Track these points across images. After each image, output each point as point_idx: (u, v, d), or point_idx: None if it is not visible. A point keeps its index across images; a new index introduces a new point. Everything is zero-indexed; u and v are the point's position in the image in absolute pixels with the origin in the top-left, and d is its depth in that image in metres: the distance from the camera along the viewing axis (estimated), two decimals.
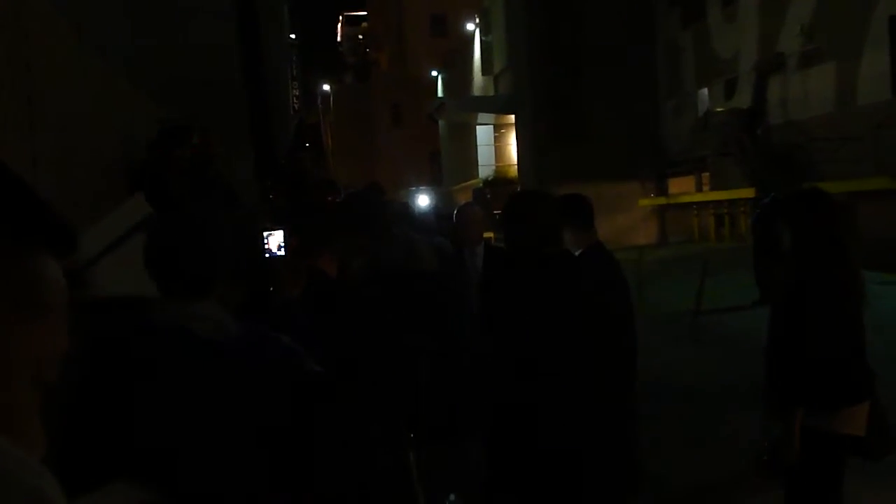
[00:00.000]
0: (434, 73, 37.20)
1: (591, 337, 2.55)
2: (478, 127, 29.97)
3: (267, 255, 2.43)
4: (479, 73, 29.83)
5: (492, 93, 28.38)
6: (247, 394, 1.70)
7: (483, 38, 29.29)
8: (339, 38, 61.45)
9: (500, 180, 26.29)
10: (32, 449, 0.76)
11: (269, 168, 8.97)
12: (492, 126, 29.78)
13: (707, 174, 19.63)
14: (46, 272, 0.79)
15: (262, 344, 1.79)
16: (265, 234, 2.44)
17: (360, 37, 55.70)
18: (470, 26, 32.48)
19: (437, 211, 10.34)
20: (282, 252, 2.44)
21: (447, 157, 35.07)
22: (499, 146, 30.04)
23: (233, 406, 1.69)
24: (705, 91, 19.78)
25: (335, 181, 6.05)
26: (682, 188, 20.89)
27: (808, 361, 2.74)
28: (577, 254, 3.62)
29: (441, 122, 34.48)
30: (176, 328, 1.75)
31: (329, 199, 5.10)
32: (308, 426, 1.83)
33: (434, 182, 37.93)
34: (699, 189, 20.22)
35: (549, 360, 2.51)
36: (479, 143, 30.04)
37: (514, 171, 26.40)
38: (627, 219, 20.67)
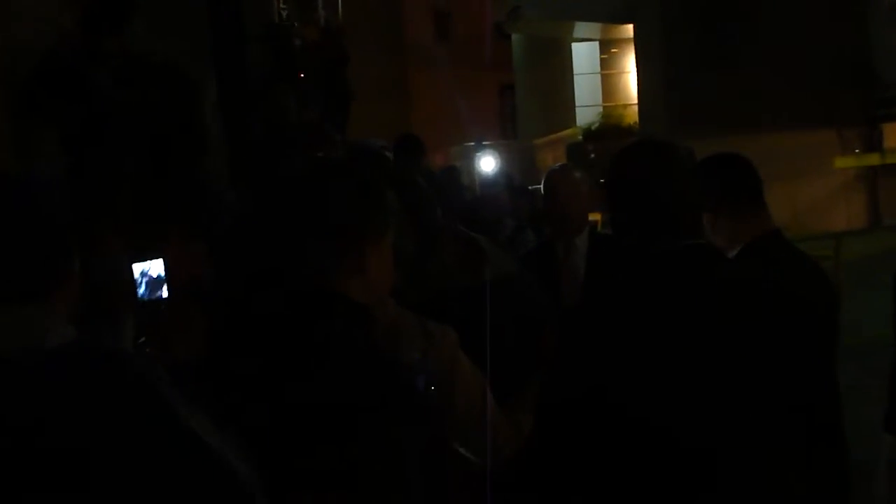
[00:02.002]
0: None
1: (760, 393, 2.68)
2: (574, 45, 29.90)
3: (141, 299, 2.54)
4: None
5: None
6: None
7: None
8: None
9: (609, 129, 26.20)
10: None
11: (238, 111, 9.17)
12: (597, 43, 29.68)
13: None
14: None
15: (89, 359, 1.91)
16: (133, 265, 2.54)
17: None
18: None
19: (510, 180, 10.43)
20: (164, 292, 2.54)
21: (526, 94, 35.05)
22: (608, 76, 29.93)
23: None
24: None
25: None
26: None
27: None
28: (734, 252, 3.68)
29: (515, 38, 34.47)
30: None
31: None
32: None
33: (504, 133, 37.88)
34: None
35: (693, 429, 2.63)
36: (576, 70, 29.95)
37: (632, 114, 26.33)
38: (816, 189, 20.51)
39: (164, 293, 2.55)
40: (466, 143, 28.98)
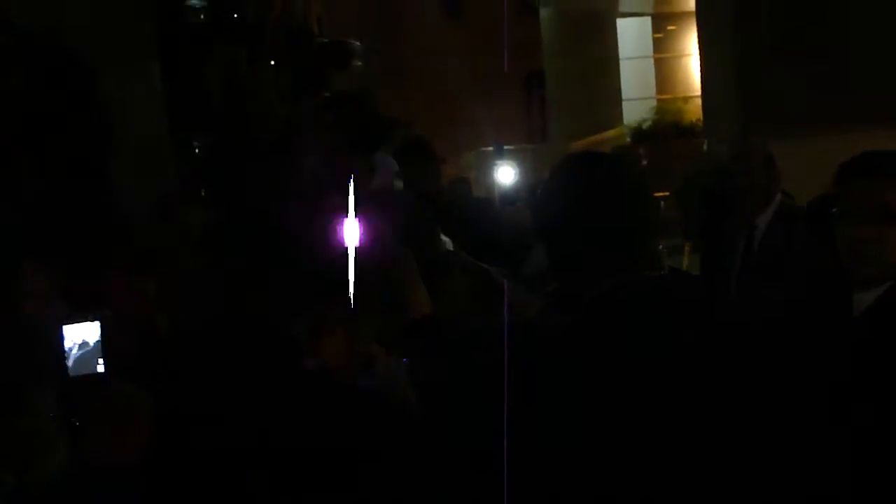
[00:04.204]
0: None
1: None
2: (620, 21, 29.99)
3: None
4: None
5: None
6: None
7: None
8: None
9: (665, 128, 26.21)
10: None
11: (190, 103, 9.17)
12: (648, 19, 29.77)
13: None
14: None
15: None
16: (63, 327, 2.43)
17: None
18: None
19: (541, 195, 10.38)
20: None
21: (558, 85, 35.09)
22: (664, 60, 29.98)
23: None
24: None
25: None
26: None
27: None
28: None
29: (545, 14, 34.57)
30: None
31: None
32: None
33: (531, 135, 37.92)
34: None
35: None
36: (622, 53, 30.03)
37: (694, 109, 26.31)
38: None
39: (101, 366, 2.46)
40: (482, 149, 29.03)
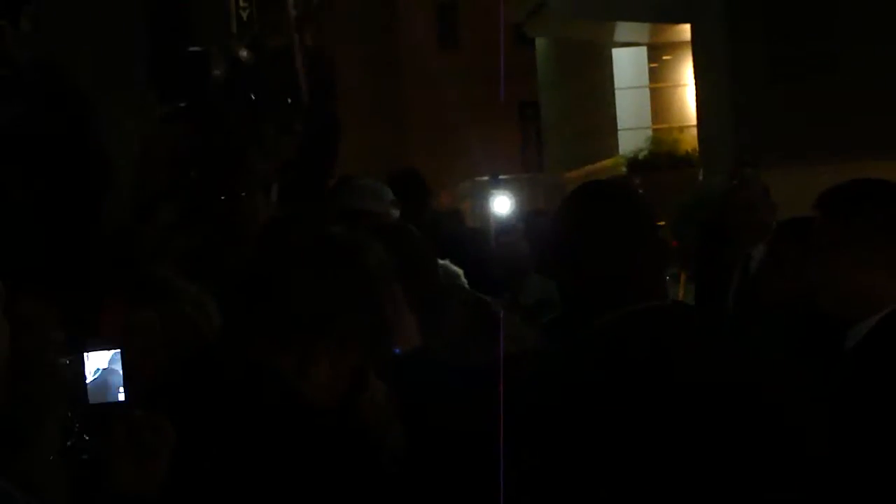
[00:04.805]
0: None
1: None
2: (615, 51, 30.00)
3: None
4: None
5: None
6: None
7: None
8: None
9: (660, 158, 26.19)
10: None
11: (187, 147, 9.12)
12: (644, 49, 29.78)
13: None
14: None
15: None
16: (84, 354, 2.44)
17: None
18: None
19: (534, 224, 10.37)
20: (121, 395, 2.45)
21: (554, 114, 35.15)
22: (659, 90, 29.99)
23: None
24: None
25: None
26: None
27: None
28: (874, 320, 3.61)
29: (540, 44, 34.60)
30: None
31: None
32: None
33: (527, 165, 37.91)
34: None
35: None
36: (617, 83, 30.03)
37: (689, 138, 26.30)
38: None
39: (121, 395, 2.46)
40: (478, 178, 29.01)
